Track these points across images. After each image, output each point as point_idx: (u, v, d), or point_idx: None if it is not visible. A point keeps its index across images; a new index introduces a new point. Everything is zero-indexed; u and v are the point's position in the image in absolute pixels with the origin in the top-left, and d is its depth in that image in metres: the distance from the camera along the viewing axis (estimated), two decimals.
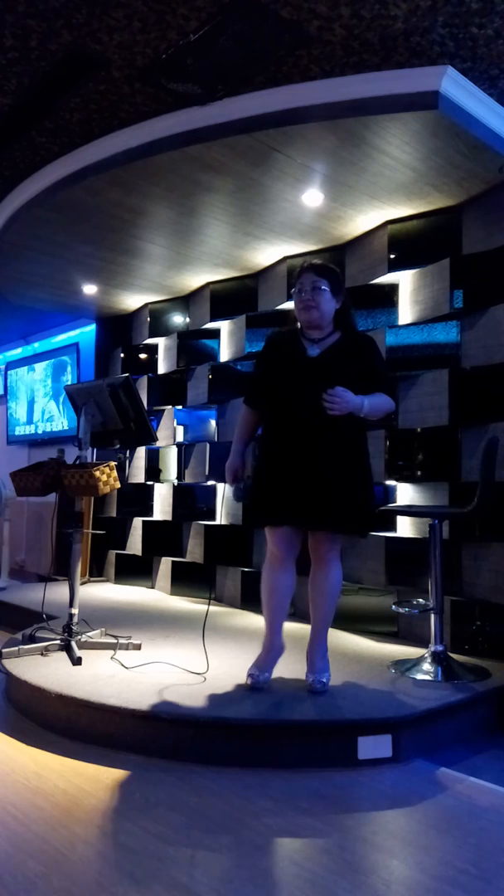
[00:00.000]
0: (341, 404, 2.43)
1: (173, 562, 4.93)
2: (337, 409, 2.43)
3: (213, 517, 4.74)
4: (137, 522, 5.31)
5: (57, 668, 2.88)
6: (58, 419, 6.73)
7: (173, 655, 3.06)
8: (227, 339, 4.79)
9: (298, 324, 2.69)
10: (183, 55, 2.90)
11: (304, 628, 2.95)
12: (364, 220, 3.81)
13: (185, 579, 4.83)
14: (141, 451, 5.30)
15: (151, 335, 5.41)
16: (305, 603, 3.13)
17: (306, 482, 2.53)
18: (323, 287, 2.59)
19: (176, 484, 5.03)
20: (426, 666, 2.86)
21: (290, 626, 3.66)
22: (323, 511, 2.55)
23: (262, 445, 2.71)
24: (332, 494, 2.53)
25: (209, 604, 3.50)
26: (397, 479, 3.69)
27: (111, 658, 3.02)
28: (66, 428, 6.54)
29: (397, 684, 2.72)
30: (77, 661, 2.92)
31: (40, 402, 7.04)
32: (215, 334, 4.93)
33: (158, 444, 5.17)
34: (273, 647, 2.72)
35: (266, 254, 4.35)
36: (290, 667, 2.87)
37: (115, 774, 2.23)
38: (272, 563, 2.70)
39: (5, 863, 1.72)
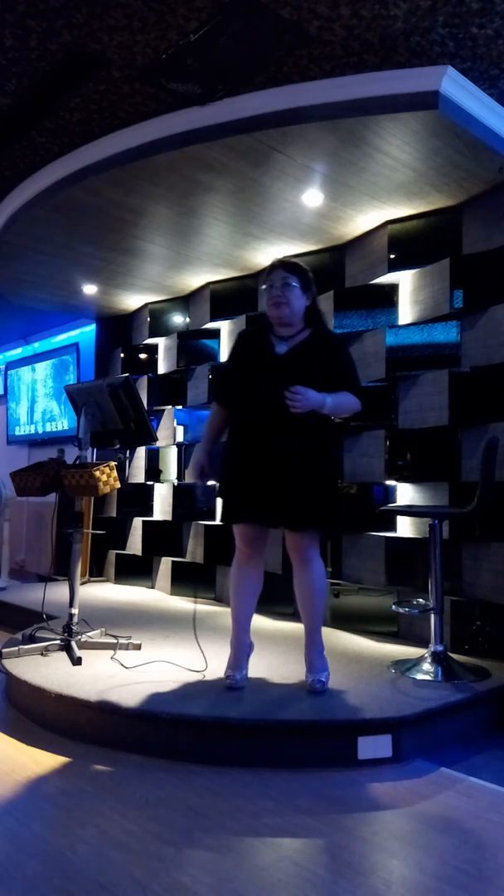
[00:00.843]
0: (302, 402, 2.44)
1: (173, 562, 4.93)
2: (298, 407, 2.45)
3: (213, 517, 4.75)
4: (137, 522, 5.31)
5: (57, 668, 2.88)
6: (58, 419, 6.73)
7: (173, 655, 3.06)
8: (228, 339, 4.79)
9: (270, 322, 2.70)
10: (183, 55, 2.90)
11: (301, 628, 2.94)
12: (364, 220, 3.81)
13: (185, 579, 4.83)
14: (141, 451, 5.30)
15: (151, 335, 5.41)
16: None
17: (272, 479, 2.54)
18: (293, 284, 2.61)
19: (176, 484, 5.03)
20: (426, 666, 2.86)
21: (290, 626, 3.68)
22: (289, 508, 2.55)
23: (229, 443, 2.72)
24: (297, 491, 2.54)
25: (195, 602, 3.50)
26: (397, 479, 3.69)
27: (111, 658, 3.02)
28: (66, 428, 6.54)
29: (397, 684, 2.72)
30: (77, 661, 2.92)
31: (40, 402, 7.04)
32: (215, 334, 4.93)
33: (158, 444, 5.17)
34: (241, 645, 2.74)
35: (266, 254, 4.35)
36: (289, 667, 2.87)
37: (115, 774, 2.23)
38: (240, 561, 2.73)
39: (5, 863, 1.72)
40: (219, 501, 4.70)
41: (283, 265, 2.67)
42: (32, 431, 7.16)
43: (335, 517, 2.71)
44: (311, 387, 2.47)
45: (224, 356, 4.83)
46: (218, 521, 4.67)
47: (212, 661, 2.94)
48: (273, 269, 2.67)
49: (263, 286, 2.70)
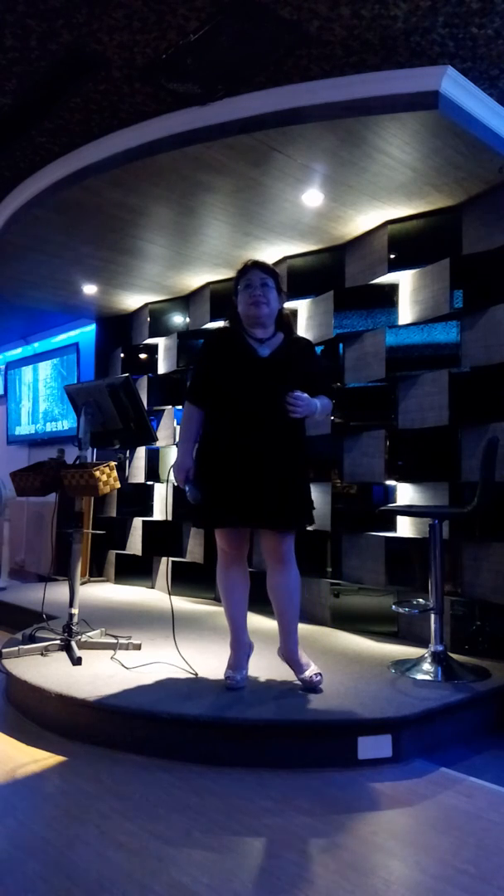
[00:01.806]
0: (303, 407, 2.48)
1: (173, 562, 4.93)
2: (299, 412, 2.48)
3: None
4: (137, 522, 5.31)
5: (57, 668, 2.88)
6: (58, 419, 6.73)
7: (173, 655, 3.06)
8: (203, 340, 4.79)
9: (242, 322, 2.70)
10: (183, 55, 2.90)
11: (302, 627, 2.94)
12: (364, 220, 3.81)
13: (185, 579, 4.83)
14: (141, 451, 5.30)
15: (151, 335, 5.41)
16: (304, 602, 3.13)
17: (255, 481, 2.54)
18: (270, 284, 2.65)
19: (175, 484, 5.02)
20: (426, 666, 2.86)
21: None
22: (275, 510, 2.56)
23: (206, 444, 2.69)
24: (279, 494, 2.55)
25: (170, 597, 3.49)
26: (397, 479, 3.69)
27: (111, 658, 3.02)
28: (66, 428, 6.54)
29: (397, 684, 2.72)
30: (77, 661, 2.92)
31: (40, 403, 7.04)
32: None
33: (158, 444, 5.16)
34: (241, 645, 2.75)
35: (266, 254, 4.35)
36: (289, 666, 2.87)
37: (115, 774, 2.23)
38: (226, 563, 2.73)
39: (5, 863, 1.72)
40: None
41: (258, 266, 2.69)
42: (32, 431, 7.16)
43: (310, 517, 2.71)
44: (298, 389, 2.51)
45: None
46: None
47: (211, 662, 2.94)
48: (248, 270, 2.68)
49: (239, 286, 2.70)
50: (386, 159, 3.15)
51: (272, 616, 3.87)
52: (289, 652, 2.72)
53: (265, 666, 2.90)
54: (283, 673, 2.82)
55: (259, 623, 3.69)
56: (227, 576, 2.73)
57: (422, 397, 3.56)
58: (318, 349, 3.97)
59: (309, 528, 2.87)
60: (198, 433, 2.74)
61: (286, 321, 2.76)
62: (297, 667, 2.70)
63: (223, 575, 2.74)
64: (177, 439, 5.02)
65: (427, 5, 2.59)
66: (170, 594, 3.62)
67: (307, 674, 2.65)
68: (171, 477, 2.76)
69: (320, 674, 2.66)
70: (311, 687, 2.61)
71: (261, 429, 2.57)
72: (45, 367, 6.93)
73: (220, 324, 2.85)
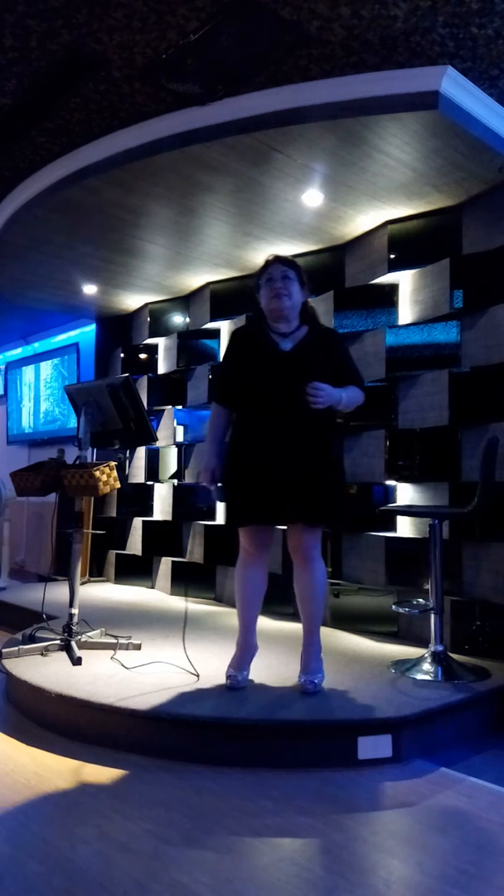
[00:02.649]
0: (325, 398, 2.46)
1: (173, 562, 4.93)
2: (320, 403, 2.46)
3: (213, 517, 4.74)
4: (137, 522, 5.31)
5: (57, 668, 2.88)
6: (58, 419, 6.73)
7: (173, 655, 3.06)
8: (228, 340, 4.79)
9: (266, 318, 2.71)
10: (183, 55, 2.90)
11: (302, 628, 2.93)
12: (364, 220, 3.81)
13: (185, 579, 4.83)
14: (141, 451, 5.30)
15: (151, 335, 5.41)
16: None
17: (280, 478, 2.53)
18: (292, 277, 2.65)
19: (176, 484, 5.03)
20: (426, 666, 2.86)
21: (290, 626, 3.68)
22: (300, 505, 2.54)
23: (234, 443, 2.69)
24: (307, 488, 2.54)
25: (186, 600, 3.50)
26: (397, 479, 3.69)
27: (111, 658, 3.02)
28: (66, 428, 6.54)
29: (397, 684, 2.72)
30: (77, 661, 2.92)
31: (40, 403, 7.03)
32: (215, 334, 4.93)
33: (158, 444, 5.16)
34: (247, 646, 2.74)
35: (266, 254, 4.30)
36: (290, 667, 2.87)
37: (115, 774, 2.23)
38: (245, 561, 2.71)
39: (5, 863, 1.72)
40: (220, 503, 4.71)
41: (280, 260, 2.70)
42: (32, 431, 7.16)
43: (341, 515, 2.70)
44: (321, 381, 2.48)
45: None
46: (218, 522, 4.67)
47: (212, 662, 2.94)
48: (270, 265, 2.69)
49: (260, 281, 2.70)
50: (386, 159, 3.15)
51: (274, 616, 3.91)
52: (302, 649, 2.72)
53: (266, 666, 2.90)
54: (283, 673, 2.82)
55: (261, 623, 3.68)
56: (246, 575, 2.71)
57: (422, 397, 3.56)
58: None
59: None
60: (224, 433, 2.75)
61: (311, 314, 2.74)
62: (302, 667, 2.70)
63: (241, 573, 2.72)
64: (177, 439, 5.04)
65: (427, 5, 2.58)
66: (185, 597, 3.62)
67: (304, 678, 2.65)
68: (200, 478, 2.74)
69: (316, 684, 2.63)
70: (304, 691, 2.60)
71: (285, 423, 2.55)
72: (45, 367, 6.93)
73: (233, 322, 2.84)
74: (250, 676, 2.73)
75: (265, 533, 2.70)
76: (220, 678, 2.72)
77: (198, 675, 2.77)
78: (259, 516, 2.61)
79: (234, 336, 2.81)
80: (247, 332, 2.79)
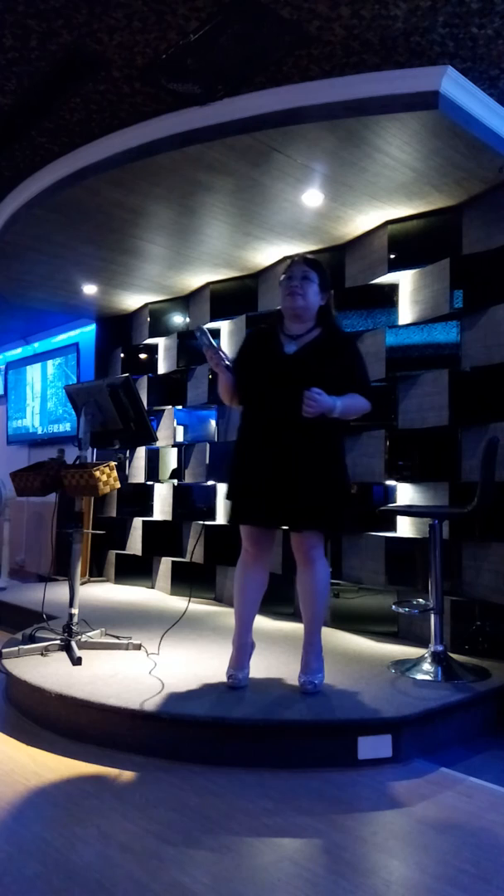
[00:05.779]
0: (316, 406, 2.44)
1: (173, 562, 4.93)
2: (312, 411, 2.45)
3: (213, 517, 4.74)
4: (137, 522, 5.31)
5: (57, 668, 2.88)
6: (58, 419, 6.73)
7: (174, 655, 3.06)
8: (227, 339, 4.79)
9: (282, 319, 2.71)
10: (183, 55, 2.90)
11: (302, 628, 2.93)
12: (364, 220, 3.81)
13: (185, 579, 4.83)
14: (141, 451, 5.30)
15: (151, 335, 5.41)
16: None
17: (280, 479, 2.54)
18: (312, 278, 2.63)
19: (176, 484, 5.03)
20: (426, 666, 2.86)
21: (290, 626, 3.68)
22: (296, 508, 2.55)
23: (238, 443, 2.71)
24: (304, 492, 2.54)
25: (189, 600, 3.50)
26: (397, 479, 3.69)
27: (118, 655, 3.01)
28: (66, 428, 6.54)
29: (397, 684, 2.72)
30: (77, 661, 2.92)
31: (40, 403, 7.03)
32: (215, 334, 4.93)
33: (158, 444, 5.16)
34: (244, 645, 2.74)
35: (266, 254, 4.35)
36: (290, 667, 2.87)
37: (115, 774, 2.23)
38: (245, 561, 2.72)
39: (5, 863, 1.72)
40: (220, 502, 4.71)
41: (304, 260, 2.69)
42: (32, 431, 7.16)
43: (341, 518, 2.70)
44: (318, 387, 2.46)
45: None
46: (218, 522, 4.67)
47: (212, 662, 2.94)
48: (294, 263, 2.69)
49: (281, 279, 2.70)
50: (386, 159, 3.15)
51: (274, 616, 3.91)
52: (303, 649, 2.72)
53: (266, 666, 2.90)
54: (283, 673, 2.82)
55: (260, 623, 3.68)
56: (245, 574, 2.71)
57: (422, 397, 3.56)
58: None
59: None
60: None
61: (328, 318, 2.71)
62: (302, 667, 2.70)
63: (241, 572, 2.72)
64: (177, 439, 5.02)
65: (427, 5, 2.58)
66: (189, 598, 3.61)
67: (304, 678, 2.65)
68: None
69: (316, 685, 2.63)
70: (304, 692, 2.60)
71: (286, 426, 2.55)
72: (45, 368, 6.93)
73: (224, 323, 2.83)
74: (251, 675, 2.73)
75: (266, 534, 2.70)
76: (219, 678, 2.72)
77: (156, 660, 2.77)
78: (258, 517, 2.62)
79: (248, 337, 2.85)
80: (260, 333, 2.78)
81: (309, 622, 2.70)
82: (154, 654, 3.10)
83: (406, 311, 3.78)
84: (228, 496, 2.70)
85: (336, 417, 2.53)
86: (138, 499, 5.39)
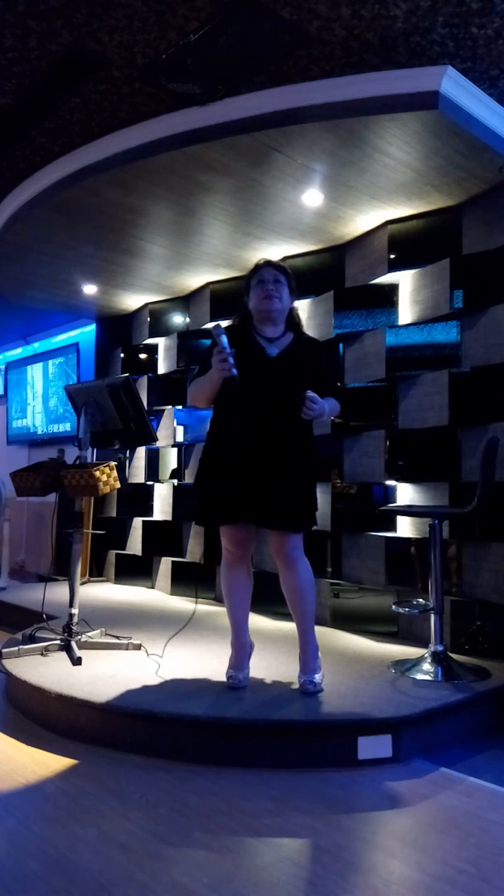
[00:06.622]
0: (317, 409, 2.48)
1: (173, 562, 4.93)
2: (313, 414, 2.48)
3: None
4: (137, 522, 5.31)
5: (57, 668, 2.88)
6: (58, 419, 6.73)
7: (174, 655, 3.06)
8: (228, 340, 4.79)
9: (253, 320, 2.71)
10: (183, 55, 2.90)
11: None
12: (364, 220, 3.81)
13: (185, 579, 4.83)
14: (141, 451, 5.30)
15: (151, 335, 5.41)
16: None
17: (264, 481, 2.53)
18: (282, 281, 2.67)
19: (176, 484, 5.03)
20: (426, 666, 2.86)
21: (289, 626, 3.67)
22: (276, 510, 2.55)
23: (211, 442, 2.69)
24: (289, 493, 2.55)
25: (196, 601, 3.50)
26: (397, 479, 3.69)
27: (118, 655, 3.01)
28: (66, 428, 6.54)
29: (397, 684, 2.72)
30: (77, 661, 2.92)
31: (40, 403, 7.04)
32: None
33: (158, 444, 5.16)
34: (241, 644, 2.74)
35: (266, 254, 4.34)
36: (289, 667, 2.87)
37: (115, 774, 2.23)
38: (229, 562, 2.72)
39: (5, 863, 1.72)
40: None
41: (271, 265, 2.72)
42: (32, 431, 7.16)
43: (314, 517, 2.69)
44: (303, 390, 2.49)
45: None
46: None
47: (212, 662, 2.94)
48: (262, 268, 2.71)
49: (251, 283, 2.71)
50: (386, 159, 3.15)
51: (273, 616, 3.91)
52: (299, 650, 2.72)
53: (265, 666, 2.90)
54: (283, 673, 2.82)
55: (260, 623, 3.69)
56: (231, 575, 2.73)
57: (422, 397, 3.56)
58: None
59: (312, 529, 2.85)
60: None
61: (296, 321, 2.77)
62: (301, 667, 2.70)
63: (226, 574, 2.74)
64: (177, 439, 5.02)
65: (427, 5, 2.58)
66: (195, 600, 3.61)
67: (304, 678, 2.65)
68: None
69: (316, 684, 2.63)
70: (304, 691, 2.60)
71: (268, 428, 2.56)
72: (45, 367, 6.93)
73: (226, 323, 2.82)
74: (250, 675, 2.74)
75: (245, 533, 2.69)
76: (219, 678, 2.72)
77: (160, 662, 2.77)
78: (236, 516, 2.60)
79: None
80: (232, 333, 2.66)
81: (301, 622, 2.70)
82: (154, 654, 3.10)
83: (406, 311, 3.78)
84: (202, 497, 2.65)
85: (319, 420, 2.58)
86: (138, 499, 5.39)
